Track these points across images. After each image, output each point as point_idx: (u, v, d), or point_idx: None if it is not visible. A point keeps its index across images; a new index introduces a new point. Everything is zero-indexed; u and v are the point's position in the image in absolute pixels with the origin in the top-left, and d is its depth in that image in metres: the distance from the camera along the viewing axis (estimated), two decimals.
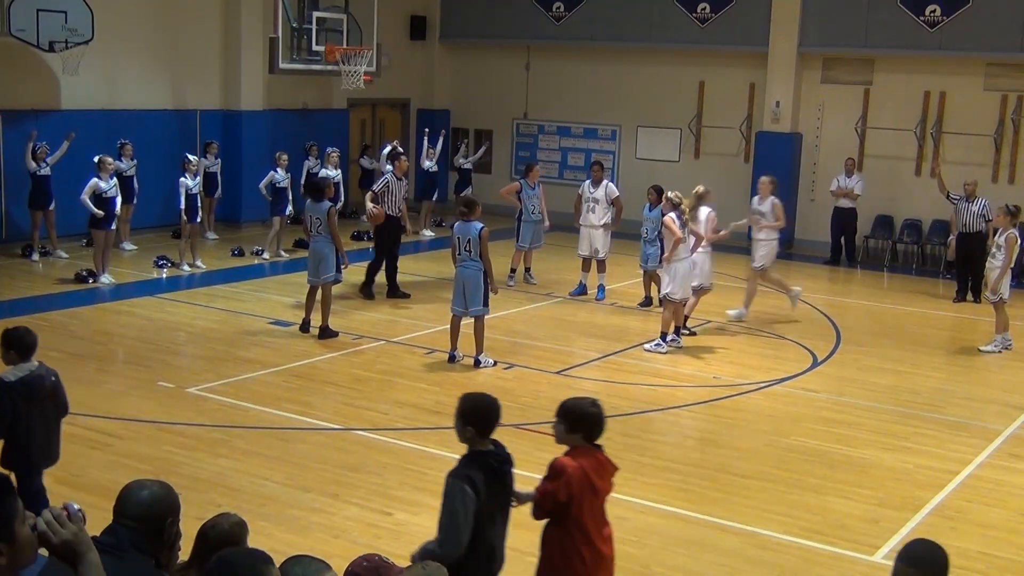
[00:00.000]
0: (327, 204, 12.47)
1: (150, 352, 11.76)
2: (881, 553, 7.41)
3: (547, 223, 15.96)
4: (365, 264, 14.97)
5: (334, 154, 17.85)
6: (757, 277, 14.28)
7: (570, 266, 16.19)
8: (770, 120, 20.19)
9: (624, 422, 10.05)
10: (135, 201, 17.12)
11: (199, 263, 16.20)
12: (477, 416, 5.03)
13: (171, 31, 18.78)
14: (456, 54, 23.80)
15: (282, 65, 18.60)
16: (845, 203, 18.74)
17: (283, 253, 17.39)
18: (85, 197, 14.56)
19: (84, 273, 14.90)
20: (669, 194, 12.77)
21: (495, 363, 11.60)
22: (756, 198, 14.39)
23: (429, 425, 9.61)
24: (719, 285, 14.52)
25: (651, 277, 14.59)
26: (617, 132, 22.16)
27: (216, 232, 18.75)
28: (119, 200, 15.13)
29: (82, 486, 7.75)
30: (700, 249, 12.83)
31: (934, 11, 18.62)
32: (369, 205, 14.42)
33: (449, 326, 11.75)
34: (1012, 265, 13.10)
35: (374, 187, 14.84)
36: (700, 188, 13.15)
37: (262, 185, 17.33)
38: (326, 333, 12.42)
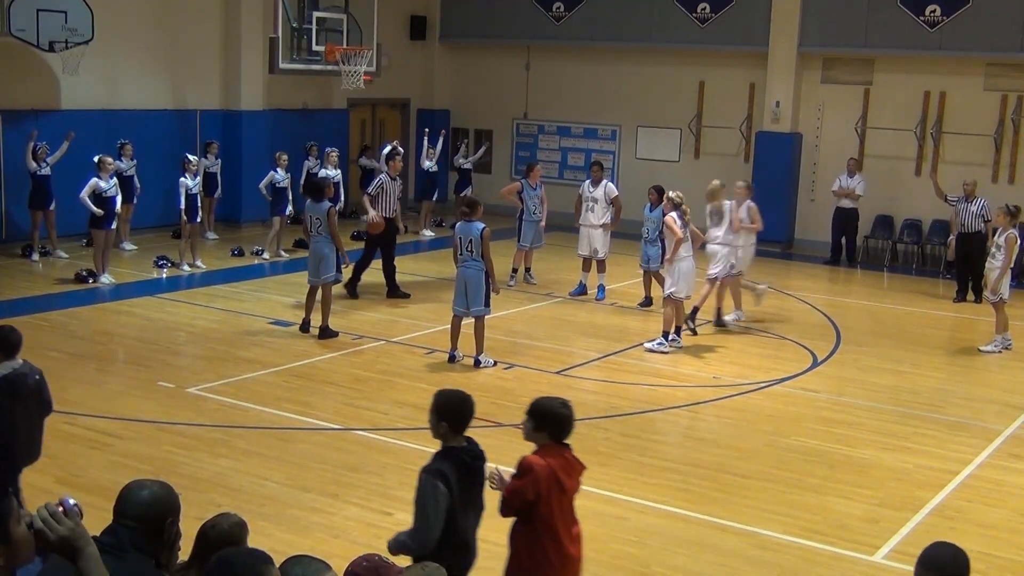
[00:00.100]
0: (327, 204, 12.46)
1: (150, 352, 11.75)
2: (881, 553, 7.41)
3: (543, 222, 15.96)
4: (378, 261, 14.95)
5: (334, 154, 17.85)
6: (740, 279, 14.10)
7: (570, 266, 16.19)
8: (770, 120, 20.19)
9: (624, 422, 10.06)
10: (135, 201, 17.13)
11: (199, 263, 16.21)
12: (451, 412, 5.13)
13: (171, 31, 18.78)
14: (456, 54, 23.80)
15: (282, 65, 18.60)
16: (847, 203, 18.71)
17: (283, 253, 17.39)
18: (84, 196, 14.56)
19: (84, 273, 14.90)
20: (670, 194, 12.79)
21: (495, 363, 11.60)
22: (732, 203, 14.17)
23: (428, 425, 9.58)
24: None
25: (651, 277, 14.60)
26: (617, 132, 22.16)
27: (216, 232, 18.75)
28: (119, 200, 15.13)
29: (82, 486, 7.74)
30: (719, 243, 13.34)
31: (934, 11, 18.61)
32: (371, 213, 14.35)
33: (450, 326, 11.75)
34: (1012, 265, 13.11)
35: (368, 189, 14.81)
36: (716, 183, 13.56)
37: (262, 185, 17.33)
38: (326, 333, 12.42)
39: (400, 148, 19.50)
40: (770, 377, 11.71)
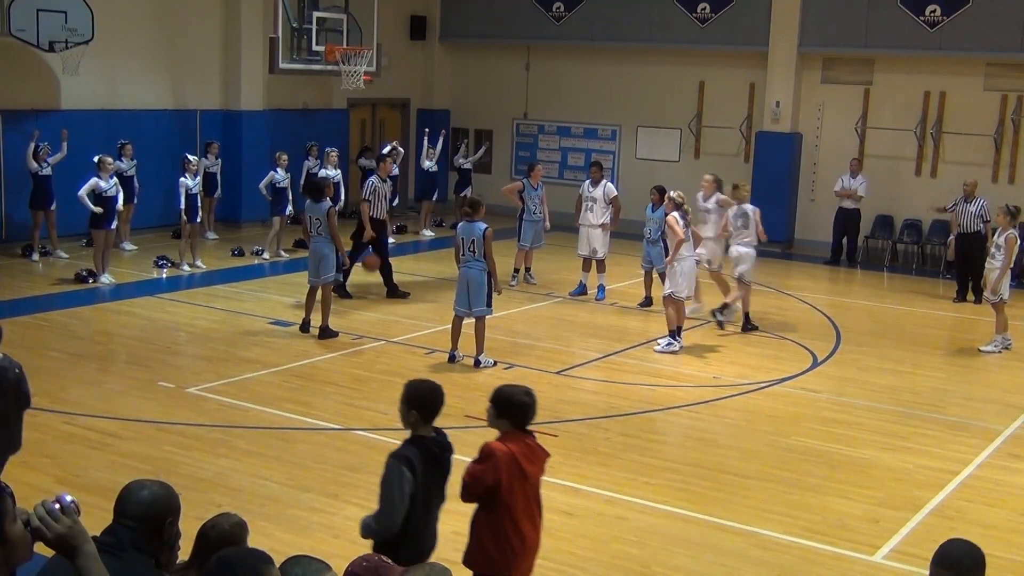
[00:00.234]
0: (327, 204, 12.46)
1: (150, 352, 11.75)
2: (881, 553, 7.41)
3: (548, 224, 15.96)
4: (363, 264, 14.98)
5: (333, 154, 17.85)
6: (705, 270, 14.03)
7: (570, 266, 16.19)
8: (770, 120, 20.19)
9: (624, 422, 10.06)
10: (135, 201, 17.13)
11: (199, 263, 16.21)
12: (421, 401, 5.22)
13: (171, 31, 18.78)
14: (456, 54, 23.80)
15: (282, 65, 18.60)
16: (849, 204, 18.71)
17: (283, 253, 17.39)
18: (83, 194, 14.56)
19: (84, 273, 14.90)
20: (671, 194, 12.81)
21: (495, 363, 11.60)
22: (700, 194, 14.29)
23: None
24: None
25: (652, 277, 14.59)
26: (617, 132, 22.16)
27: (216, 232, 18.75)
28: (120, 200, 15.13)
29: (82, 486, 7.74)
30: (744, 244, 13.46)
31: (934, 11, 18.61)
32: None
33: (451, 326, 11.75)
34: (1012, 265, 13.10)
35: (364, 195, 14.77)
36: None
37: (262, 185, 17.33)
38: (326, 333, 12.42)
39: (400, 148, 19.56)
40: (770, 377, 11.71)
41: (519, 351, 12.30)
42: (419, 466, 5.08)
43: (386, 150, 18.69)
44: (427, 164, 20.16)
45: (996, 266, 12.98)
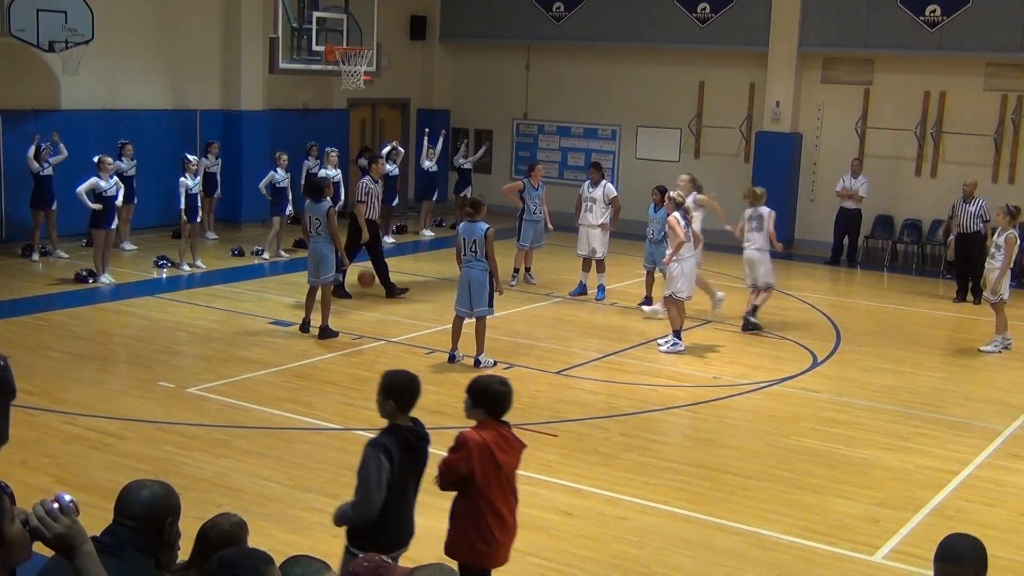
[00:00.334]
0: (326, 204, 12.46)
1: (150, 352, 11.75)
2: (881, 553, 7.41)
3: (551, 227, 15.96)
4: (363, 264, 14.97)
5: (333, 154, 17.85)
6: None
7: (570, 266, 16.19)
8: (770, 120, 20.19)
9: (624, 422, 10.06)
10: (135, 201, 17.13)
11: (199, 263, 16.21)
12: (398, 391, 5.32)
13: (171, 31, 18.77)
14: (456, 54, 23.80)
15: (282, 65, 18.59)
16: (850, 204, 18.70)
17: (283, 253, 17.39)
18: (82, 191, 14.56)
19: (84, 273, 14.90)
20: (671, 193, 12.82)
21: (495, 363, 11.60)
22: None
23: (429, 425, 9.55)
24: (721, 286, 14.54)
25: (654, 277, 14.58)
26: (617, 132, 22.16)
27: (216, 232, 18.75)
28: (119, 197, 15.12)
29: (82, 486, 7.74)
30: (757, 249, 13.48)
31: (934, 11, 18.61)
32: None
33: (451, 326, 11.75)
34: (1012, 266, 13.10)
35: (358, 197, 14.74)
36: (758, 189, 13.82)
37: (262, 185, 17.34)
38: (326, 333, 12.42)
39: (400, 148, 19.56)
40: (770, 377, 11.71)
41: (519, 351, 12.30)
42: (396, 454, 5.18)
43: (386, 150, 18.73)
44: (427, 164, 20.16)
45: (996, 266, 12.98)
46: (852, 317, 15.08)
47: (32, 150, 15.85)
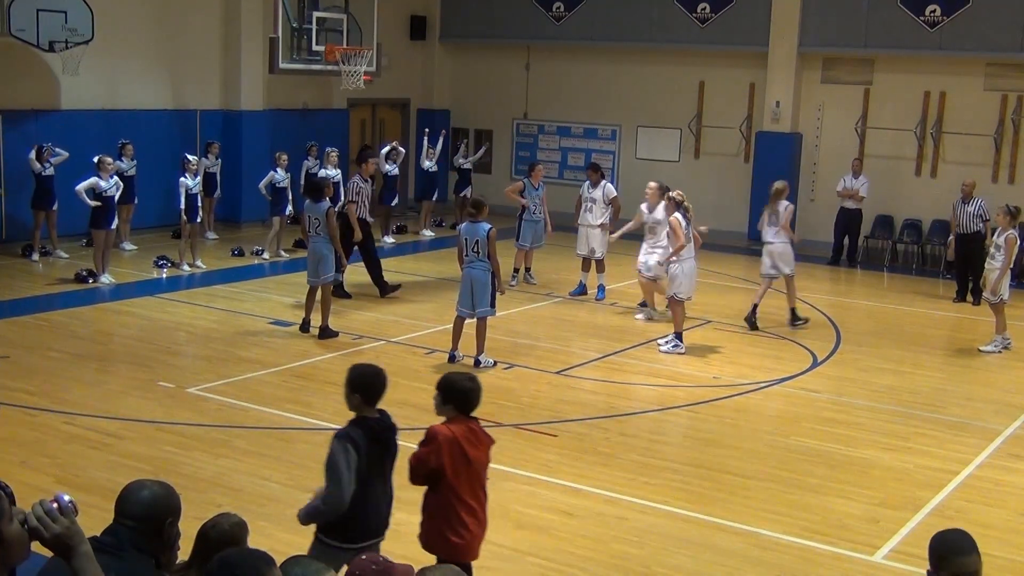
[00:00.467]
0: (326, 204, 12.45)
1: (150, 352, 11.75)
2: (881, 553, 7.41)
3: (550, 228, 15.95)
4: (362, 264, 14.96)
5: (333, 154, 17.85)
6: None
7: (570, 266, 16.18)
8: (770, 120, 20.19)
9: (624, 422, 10.06)
10: (135, 201, 17.13)
11: (199, 263, 16.21)
12: (363, 384, 5.40)
13: (171, 31, 18.77)
14: (456, 54, 23.80)
15: (282, 65, 18.58)
16: (851, 204, 18.69)
17: (283, 253, 17.39)
18: (81, 189, 14.55)
19: (84, 273, 14.90)
20: (671, 193, 12.81)
21: (495, 363, 11.59)
22: (644, 205, 13.97)
23: (425, 425, 9.58)
24: (721, 286, 14.53)
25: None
26: (617, 132, 22.16)
27: (216, 232, 18.75)
28: (117, 197, 15.12)
29: (82, 486, 7.74)
30: (780, 241, 13.71)
31: (934, 11, 18.61)
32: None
33: (452, 326, 11.74)
34: (1012, 266, 13.09)
35: (350, 196, 14.72)
36: (780, 184, 14.02)
37: (262, 185, 17.34)
38: (326, 333, 12.42)
39: (400, 148, 19.56)
40: (770, 377, 11.71)
41: (519, 351, 12.30)
42: (363, 445, 5.24)
43: (386, 150, 18.73)
44: (427, 164, 20.16)
45: (996, 266, 12.97)
46: (852, 317, 15.08)
47: (34, 151, 15.87)
